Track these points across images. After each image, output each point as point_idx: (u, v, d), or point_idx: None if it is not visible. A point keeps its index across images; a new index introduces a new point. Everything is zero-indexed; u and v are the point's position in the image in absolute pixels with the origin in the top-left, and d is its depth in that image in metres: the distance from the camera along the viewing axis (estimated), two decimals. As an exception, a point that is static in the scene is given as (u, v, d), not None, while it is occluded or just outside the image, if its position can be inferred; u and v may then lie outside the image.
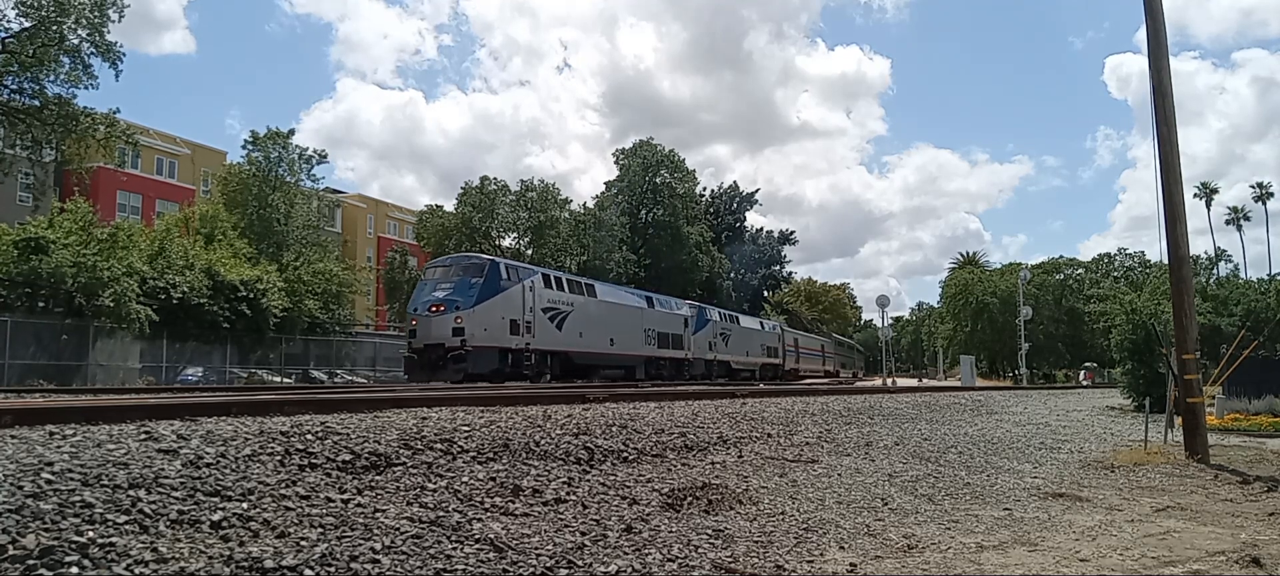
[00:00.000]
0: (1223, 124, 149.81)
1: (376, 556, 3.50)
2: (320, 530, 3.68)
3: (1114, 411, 19.58)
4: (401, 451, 5.14)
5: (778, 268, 68.21)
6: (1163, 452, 10.31)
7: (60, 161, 31.87)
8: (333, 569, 3.32)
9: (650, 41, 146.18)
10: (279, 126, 43.82)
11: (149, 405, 5.53)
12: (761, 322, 45.21)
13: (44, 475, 3.54)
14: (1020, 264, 77.25)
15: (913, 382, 50.12)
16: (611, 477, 5.73)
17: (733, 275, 61.28)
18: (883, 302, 40.44)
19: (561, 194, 52.52)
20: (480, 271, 21.49)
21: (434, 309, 20.58)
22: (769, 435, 8.52)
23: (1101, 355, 53.61)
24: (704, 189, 64.81)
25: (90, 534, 3.12)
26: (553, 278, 25.16)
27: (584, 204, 55.55)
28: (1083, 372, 67.52)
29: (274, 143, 41.23)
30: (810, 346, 54.62)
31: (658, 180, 55.78)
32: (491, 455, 5.58)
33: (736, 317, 40.62)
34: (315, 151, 42.75)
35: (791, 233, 70.26)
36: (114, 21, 28.01)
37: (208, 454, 4.28)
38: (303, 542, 3.49)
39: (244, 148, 41.91)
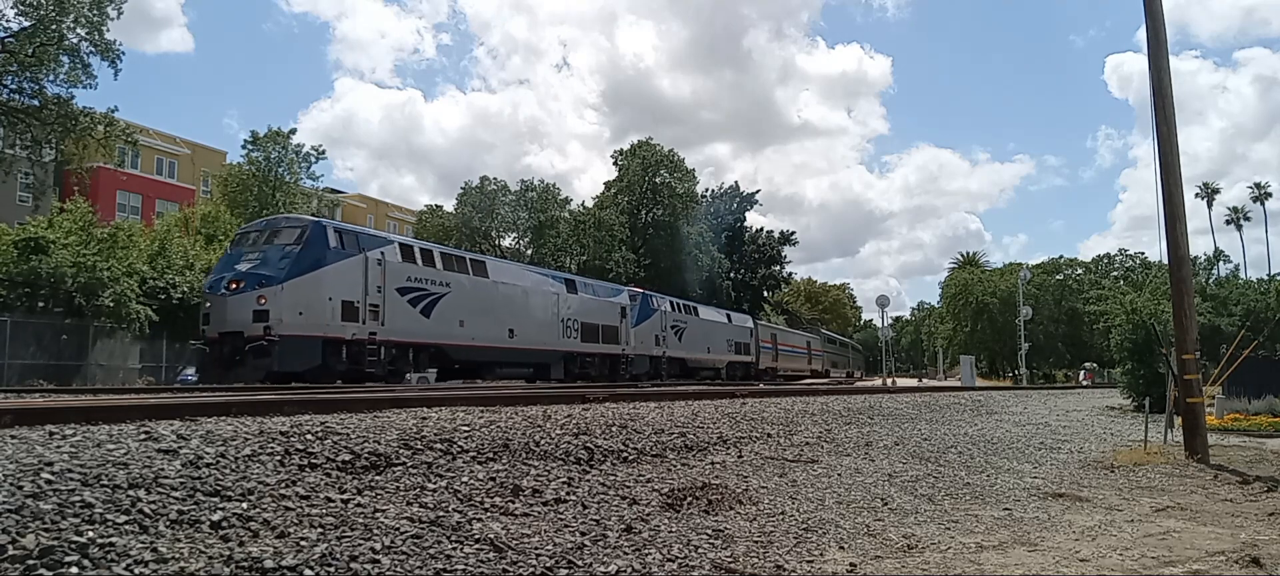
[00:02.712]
0: (1224, 123, 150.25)
1: (376, 556, 3.50)
2: (320, 530, 3.68)
3: (1114, 411, 19.59)
4: (401, 451, 5.14)
5: (778, 268, 67.96)
6: (1163, 452, 10.31)
7: (60, 161, 31.88)
8: (333, 569, 3.32)
9: (650, 39, 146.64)
10: (278, 126, 43.72)
11: (149, 405, 5.53)
12: (728, 315, 40.07)
13: (44, 475, 3.53)
14: (1020, 264, 77.44)
15: (912, 383, 50.02)
16: (611, 477, 5.73)
17: (733, 274, 61.13)
18: (883, 302, 40.48)
19: (562, 193, 52.60)
20: (298, 237, 16.74)
21: (232, 285, 16.09)
22: (769, 435, 8.52)
23: (1101, 355, 53.66)
24: (706, 191, 64.78)
25: (90, 534, 3.12)
26: (418, 250, 19.83)
27: (583, 203, 55.62)
28: (1083, 373, 67.59)
29: (274, 143, 41.23)
30: (792, 342, 50.38)
31: (657, 180, 55.74)
32: (491, 455, 5.58)
33: (695, 308, 35.79)
34: (313, 149, 42.75)
35: (791, 233, 69.90)
36: (113, 19, 28.05)
37: (207, 454, 4.27)
38: (303, 542, 3.49)
39: (244, 148, 41.95)
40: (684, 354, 32.21)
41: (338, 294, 16.76)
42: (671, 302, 32.94)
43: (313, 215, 28.23)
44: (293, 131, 41.81)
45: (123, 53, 28.59)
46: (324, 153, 43.48)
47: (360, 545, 3.59)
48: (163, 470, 3.91)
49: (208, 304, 16.75)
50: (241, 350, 15.42)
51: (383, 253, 18.12)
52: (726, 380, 34.18)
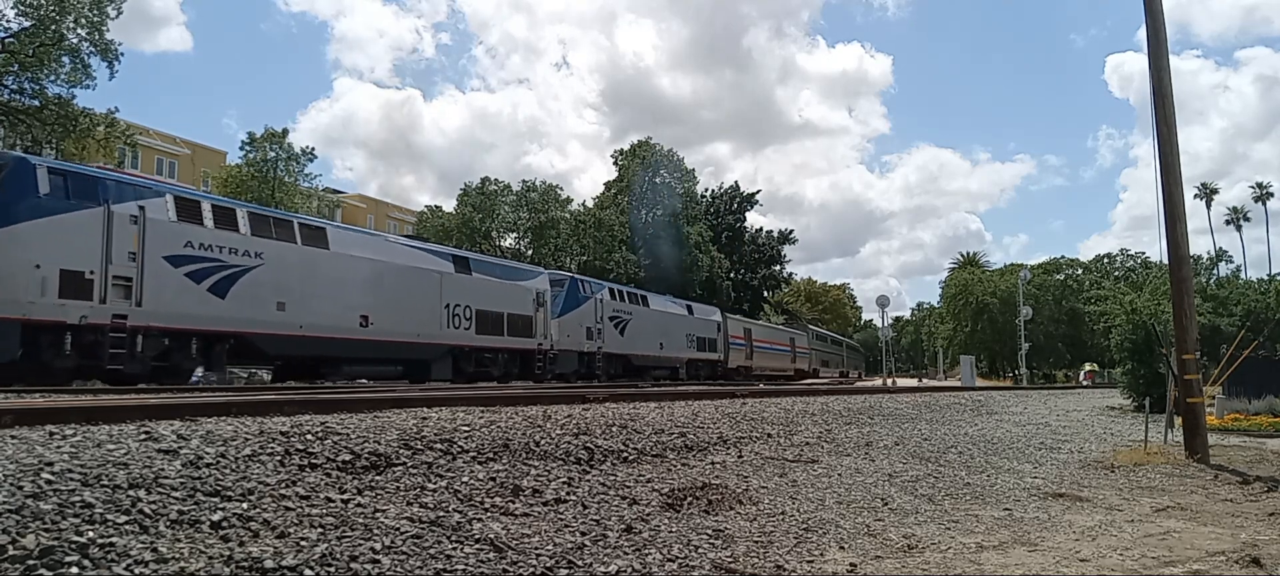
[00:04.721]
0: (1225, 122, 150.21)
1: (376, 556, 3.50)
2: (320, 530, 3.68)
3: (1114, 411, 19.58)
4: (401, 451, 5.14)
5: (777, 267, 68.01)
6: (1163, 452, 10.31)
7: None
8: (333, 569, 3.32)
9: (650, 39, 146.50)
10: (278, 126, 43.77)
11: (149, 405, 5.53)
12: (689, 307, 35.32)
13: (44, 475, 3.54)
14: (1021, 264, 77.50)
15: (913, 383, 49.91)
16: (611, 477, 5.73)
17: (733, 274, 61.15)
18: (883, 303, 40.39)
19: (563, 194, 52.61)
20: None
21: None
22: (769, 435, 8.52)
23: (1101, 355, 53.70)
24: (706, 190, 64.91)
25: (90, 534, 3.12)
26: (209, 207, 15.07)
27: (584, 203, 55.64)
28: (1083, 373, 67.65)
29: (271, 143, 41.26)
30: (771, 339, 45.84)
31: (657, 180, 55.77)
32: (491, 455, 5.58)
33: (643, 297, 31.39)
34: (303, 150, 42.74)
35: (791, 232, 70.00)
36: (113, 18, 28.12)
37: (208, 454, 4.28)
38: (303, 542, 3.49)
39: (242, 149, 41.96)
40: (627, 350, 28.23)
41: (52, 260, 12.42)
42: (613, 290, 29.21)
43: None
44: (285, 132, 41.84)
45: (122, 53, 28.70)
46: (314, 153, 43.44)
47: (360, 545, 3.59)
48: (163, 470, 3.91)
49: None
50: None
51: (142, 207, 13.63)
52: (686, 380, 30.71)
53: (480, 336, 21.05)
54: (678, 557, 4.18)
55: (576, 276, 28.46)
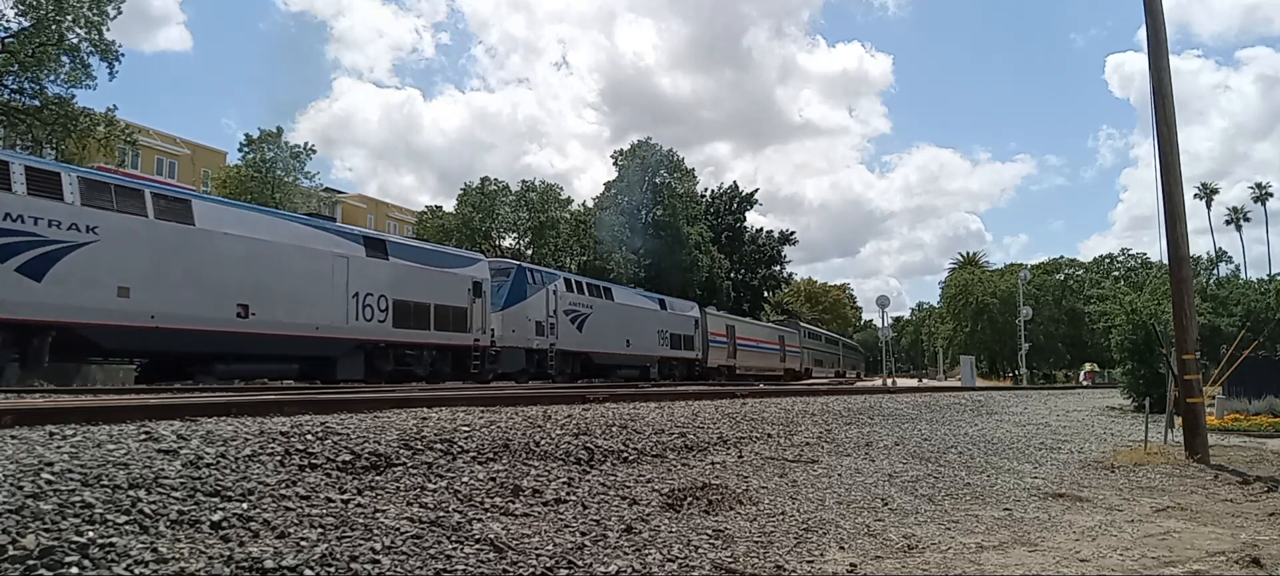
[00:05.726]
0: (1226, 122, 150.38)
1: (376, 556, 3.50)
2: (320, 530, 3.68)
3: (1114, 411, 19.58)
4: (401, 451, 5.14)
5: (778, 268, 68.00)
6: (1163, 453, 10.31)
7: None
8: (333, 569, 3.32)
9: (649, 38, 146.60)
10: (276, 126, 43.63)
11: (149, 405, 5.53)
12: (661, 301, 32.47)
13: (44, 475, 3.54)
14: (1020, 264, 77.45)
15: (913, 383, 49.78)
16: (611, 477, 5.73)
17: (733, 274, 61.11)
18: (883, 303, 40.19)
19: (563, 193, 52.60)
20: None
21: None
22: (769, 435, 8.52)
23: (1102, 355, 53.68)
24: (705, 190, 64.91)
25: (90, 534, 3.12)
26: (23, 171, 12.44)
27: (584, 203, 55.65)
28: (1083, 373, 67.64)
29: (269, 143, 41.26)
30: (757, 337, 43.40)
31: (657, 180, 55.76)
32: (491, 455, 5.58)
33: (607, 289, 28.96)
34: (302, 146, 42.74)
35: (791, 233, 69.99)
36: (112, 17, 28.13)
37: (208, 454, 4.28)
38: (303, 542, 3.49)
39: (241, 150, 41.97)
40: (586, 347, 25.91)
41: None
42: (569, 281, 26.83)
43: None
44: (280, 131, 41.85)
45: (122, 53, 28.72)
46: (314, 150, 43.46)
47: (360, 545, 3.59)
48: (163, 470, 3.91)
49: None
50: None
51: None
52: (658, 380, 28.63)
53: (399, 330, 18.47)
54: (678, 557, 4.18)
55: (525, 265, 25.90)
